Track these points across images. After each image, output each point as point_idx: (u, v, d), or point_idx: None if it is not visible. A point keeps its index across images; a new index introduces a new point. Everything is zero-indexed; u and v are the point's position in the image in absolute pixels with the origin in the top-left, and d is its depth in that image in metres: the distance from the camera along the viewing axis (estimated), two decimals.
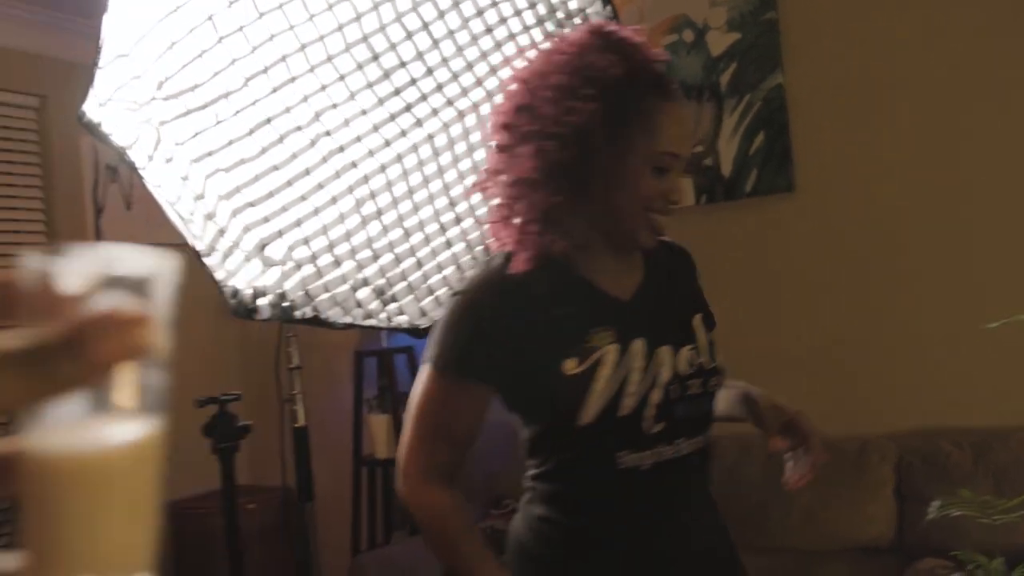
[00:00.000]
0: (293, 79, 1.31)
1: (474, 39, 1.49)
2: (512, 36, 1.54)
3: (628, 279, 1.29)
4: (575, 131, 1.16)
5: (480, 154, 1.57)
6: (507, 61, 1.52)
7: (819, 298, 2.81)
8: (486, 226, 1.63)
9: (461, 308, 1.21)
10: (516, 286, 1.20)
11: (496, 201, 1.27)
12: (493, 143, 1.26)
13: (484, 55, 1.52)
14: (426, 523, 1.23)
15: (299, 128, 1.34)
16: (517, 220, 1.22)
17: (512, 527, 1.30)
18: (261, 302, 1.39)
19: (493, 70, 1.52)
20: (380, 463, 3.37)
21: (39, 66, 3.38)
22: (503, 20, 1.53)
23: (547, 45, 1.26)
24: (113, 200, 3.65)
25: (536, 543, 1.24)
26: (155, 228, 3.52)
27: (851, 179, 2.76)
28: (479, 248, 1.63)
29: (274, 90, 1.29)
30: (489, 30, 1.51)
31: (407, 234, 1.51)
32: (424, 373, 1.22)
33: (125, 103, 1.24)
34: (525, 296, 1.20)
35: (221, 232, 1.33)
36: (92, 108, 1.24)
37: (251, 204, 1.32)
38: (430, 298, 1.58)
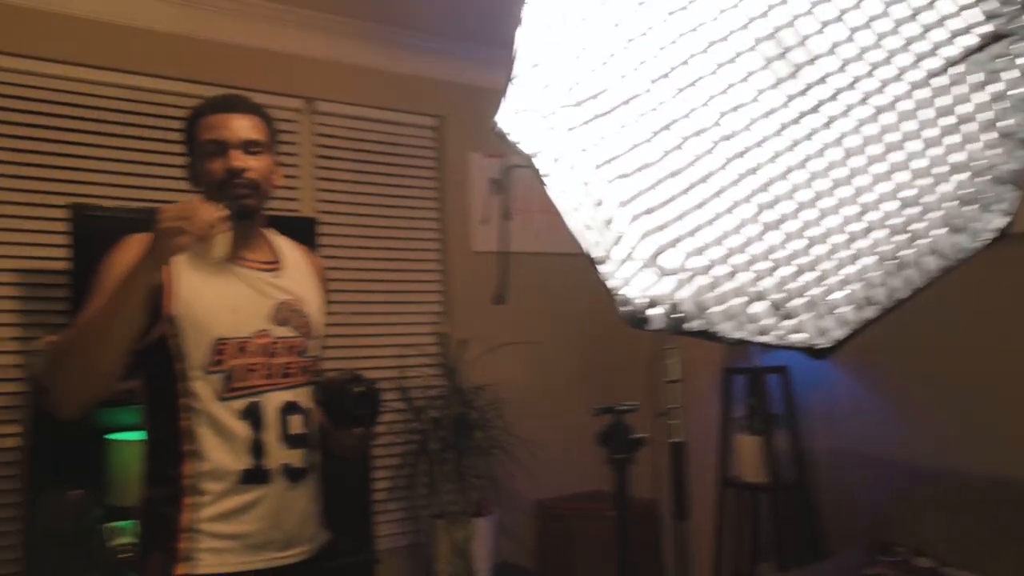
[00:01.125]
0: (697, 80, 1.25)
1: (897, 26, 1.33)
2: (942, 20, 1.35)
3: None
4: None
5: (897, 156, 1.39)
6: (935, 48, 1.35)
7: None
8: (900, 237, 1.46)
9: None
10: None
11: None
12: None
13: (907, 43, 1.34)
14: None
15: (700, 132, 1.28)
16: None
17: None
18: (653, 312, 1.35)
19: (918, 59, 1.34)
20: (747, 487, 3.21)
21: (438, 90, 3.74)
22: (931, 2, 1.34)
23: None
24: (494, 211, 3.92)
25: None
26: (531, 237, 3.73)
27: None
28: (891, 262, 1.44)
29: (678, 92, 1.24)
30: (915, 14, 1.33)
31: (810, 244, 1.38)
32: None
33: (534, 112, 1.27)
34: None
35: (618, 239, 1.31)
36: (504, 118, 1.28)
37: (649, 211, 1.29)
38: (831, 316, 1.43)
